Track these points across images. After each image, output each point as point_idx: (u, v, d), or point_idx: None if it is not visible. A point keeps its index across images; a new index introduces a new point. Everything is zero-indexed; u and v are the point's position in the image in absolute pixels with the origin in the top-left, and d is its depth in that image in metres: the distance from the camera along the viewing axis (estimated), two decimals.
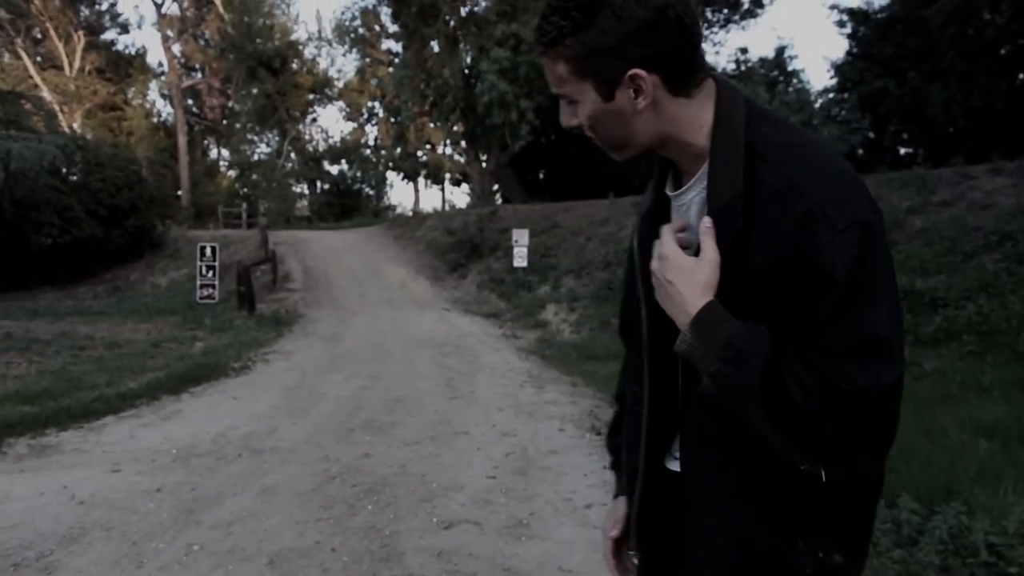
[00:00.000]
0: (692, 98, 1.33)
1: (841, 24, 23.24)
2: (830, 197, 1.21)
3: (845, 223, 1.19)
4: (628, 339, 1.66)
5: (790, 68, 28.52)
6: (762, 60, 29.86)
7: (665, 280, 1.31)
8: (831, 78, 23.88)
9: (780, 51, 29.70)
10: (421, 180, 50.86)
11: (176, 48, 47.32)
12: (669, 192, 1.46)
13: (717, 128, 1.32)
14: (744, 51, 33.49)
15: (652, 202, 1.51)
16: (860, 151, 17.16)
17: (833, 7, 23.24)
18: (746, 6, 31.11)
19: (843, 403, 1.17)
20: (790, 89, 18.80)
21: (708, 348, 1.24)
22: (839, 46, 68.67)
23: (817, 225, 1.19)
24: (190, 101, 49.87)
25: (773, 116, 1.37)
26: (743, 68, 30.17)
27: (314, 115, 52.85)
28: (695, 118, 1.33)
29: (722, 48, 72.20)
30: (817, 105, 17.20)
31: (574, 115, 1.39)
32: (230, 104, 50.37)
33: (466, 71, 28.45)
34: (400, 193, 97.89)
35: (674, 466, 1.46)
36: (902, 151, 22.63)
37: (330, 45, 51.12)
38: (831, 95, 19.80)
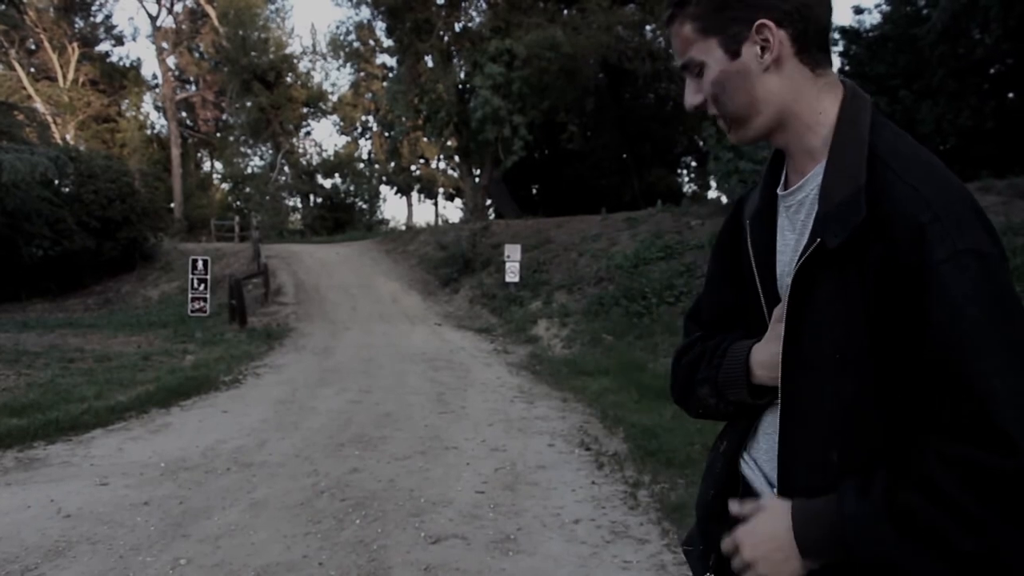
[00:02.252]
0: (817, 76, 1.29)
1: (833, 42, 23.39)
2: (956, 217, 1.16)
3: (966, 245, 1.13)
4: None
5: None
6: None
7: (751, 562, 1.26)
8: None
9: None
10: (414, 194, 51.02)
11: (171, 60, 47.46)
12: (780, 192, 1.40)
13: (840, 126, 1.28)
14: None
15: (761, 202, 1.45)
16: None
17: None
18: None
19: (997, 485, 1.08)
20: None
21: (830, 551, 1.18)
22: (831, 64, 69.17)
23: (938, 238, 1.13)
24: (184, 113, 49.92)
25: (900, 130, 1.33)
26: None
27: (308, 129, 53.02)
28: (817, 101, 1.29)
29: None
30: None
31: (699, 90, 1.36)
32: (224, 117, 50.42)
33: (460, 86, 28.52)
34: (393, 207, 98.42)
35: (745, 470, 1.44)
36: None
37: (324, 59, 51.25)
38: None
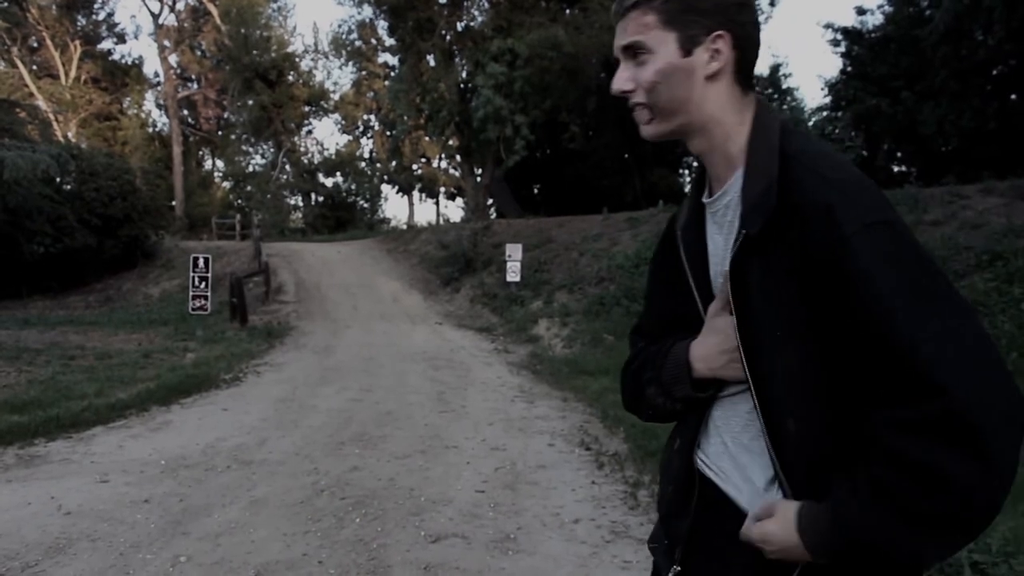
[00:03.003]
0: (743, 95, 1.42)
1: (835, 43, 23.33)
2: (859, 195, 1.26)
3: (873, 218, 1.23)
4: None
5: (784, 86, 28.61)
6: (757, 78, 29.97)
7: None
8: (825, 96, 24.02)
9: (775, 69, 29.83)
10: (416, 194, 50.98)
11: (172, 59, 47.48)
12: (705, 200, 1.50)
13: (754, 134, 1.39)
14: None
15: (690, 213, 1.56)
16: None
17: (827, 26, 23.35)
18: None
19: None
20: (784, 107, 18.86)
21: (838, 549, 1.23)
22: (833, 65, 68.93)
23: (845, 214, 1.23)
24: (185, 112, 49.95)
25: (807, 135, 1.46)
26: None
27: (309, 127, 53.06)
28: (739, 114, 1.41)
29: None
30: (811, 123, 17.27)
31: (632, 79, 1.44)
32: (225, 115, 50.45)
33: (461, 85, 28.52)
34: (395, 206, 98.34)
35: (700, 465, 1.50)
36: (895, 170, 22.73)
37: (326, 58, 51.17)
38: (825, 113, 19.91)
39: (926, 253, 1.25)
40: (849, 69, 22.94)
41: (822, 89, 29.81)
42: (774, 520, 1.30)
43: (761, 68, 52.20)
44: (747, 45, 1.39)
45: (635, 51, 1.42)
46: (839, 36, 23.12)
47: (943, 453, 1.13)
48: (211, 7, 44.46)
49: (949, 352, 1.16)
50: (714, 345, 1.43)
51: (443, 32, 28.19)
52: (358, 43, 36.97)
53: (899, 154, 23.19)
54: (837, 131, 16.93)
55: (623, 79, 1.46)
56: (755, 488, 1.39)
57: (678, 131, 1.46)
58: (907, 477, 1.16)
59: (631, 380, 1.66)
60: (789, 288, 1.28)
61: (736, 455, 1.43)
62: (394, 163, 45.45)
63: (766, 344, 1.33)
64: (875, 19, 22.41)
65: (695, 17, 1.36)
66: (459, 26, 29.04)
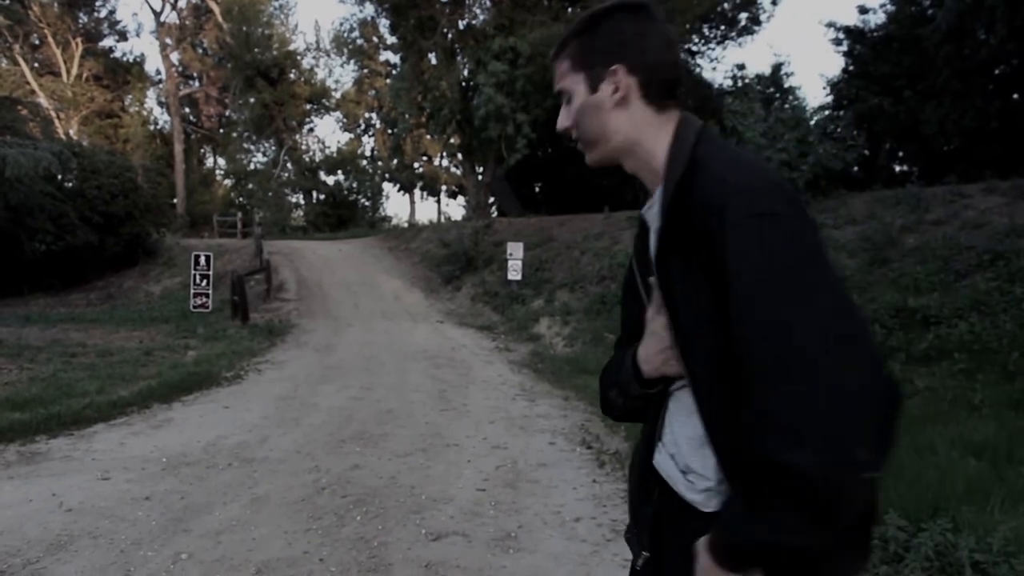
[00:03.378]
0: (660, 114, 1.54)
1: (837, 42, 23.32)
2: (751, 190, 1.33)
3: (758, 209, 1.30)
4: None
5: (786, 85, 28.57)
6: (759, 76, 29.94)
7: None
8: (827, 95, 24.00)
9: (777, 68, 29.81)
10: (417, 192, 50.94)
11: (174, 56, 47.41)
12: (641, 211, 1.64)
13: (671, 147, 1.51)
14: (741, 67, 33.42)
15: (639, 226, 1.70)
16: (855, 168, 17.18)
17: (830, 25, 23.32)
18: (743, 23, 31.20)
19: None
20: (786, 106, 18.77)
21: (740, 560, 1.28)
22: (835, 64, 68.86)
23: (732, 208, 1.30)
24: (187, 109, 49.91)
25: (724, 143, 1.54)
26: (740, 84, 30.28)
27: (311, 125, 52.87)
28: (659, 133, 1.54)
29: (719, 64, 72.81)
30: (813, 122, 17.17)
31: (568, 116, 1.62)
32: (227, 113, 50.40)
33: (463, 84, 28.50)
34: (396, 204, 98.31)
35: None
36: (897, 169, 22.71)
37: (328, 56, 51.15)
38: (827, 112, 19.82)
39: (814, 247, 1.30)
40: (851, 68, 22.92)
41: (824, 88, 29.86)
42: (700, 558, 1.34)
43: (763, 67, 52.09)
44: (649, 70, 1.53)
45: (563, 95, 1.62)
46: (841, 35, 23.11)
47: (777, 457, 1.16)
48: (213, 5, 44.45)
49: (789, 352, 1.20)
50: (653, 345, 1.54)
51: (445, 30, 28.16)
52: (360, 41, 36.98)
53: (901, 153, 23.17)
54: (839, 130, 16.85)
55: (562, 119, 1.64)
56: (706, 482, 1.44)
57: (608, 156, 1.63)
58: (760, 480, 1.20)
59: (601, 385, 1.80)
60: (704, 286, 1.34)
61: (687, 449, 1.49)
62: (395, 161, 45.41)
63: (693, 340, 1.41)
64: (877, 18, 22.40)
65: (595, 57, 1.55)
66: (461, 24, 29.01)
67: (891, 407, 1.20)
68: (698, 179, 1.40)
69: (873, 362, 1.20)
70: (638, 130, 1.54)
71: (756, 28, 31.48)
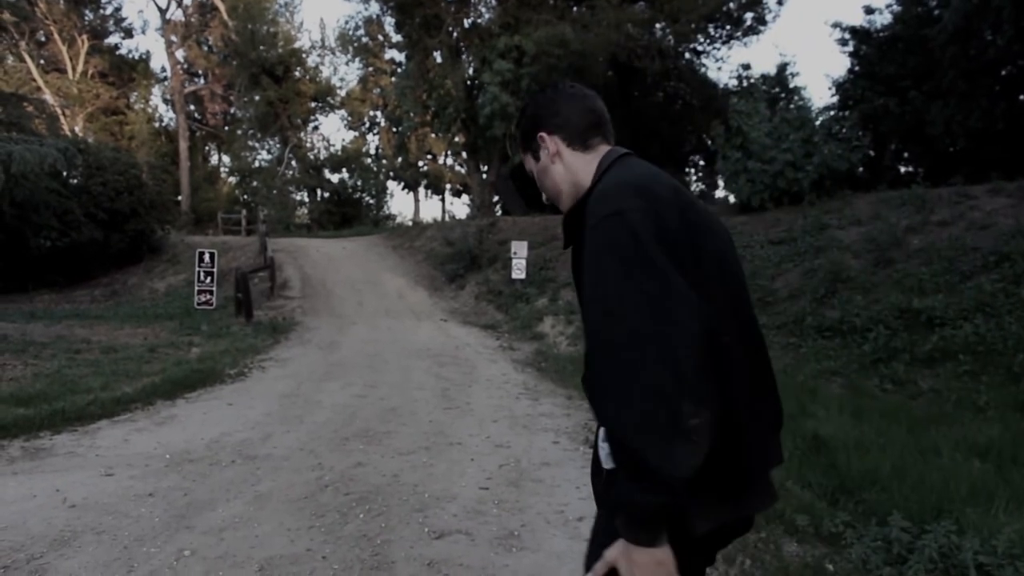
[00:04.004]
0: (587, 154, 1.96)
1: (843, 42, 23.30)
2: (612, 193, 1.68)
3: (609, 209, 1.63)
4: None
5: (792, 85, 28.58)
6: (764, 77, 29.95)
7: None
8: (832, 96, 23.95)
9: (782, 68, 29.80)
10: (421, 190, 50.92)
11: (179, 54, 47.43)
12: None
13: (593, 176, 1.90)
14: (747, 67, 33.45)
15: None
16: (860, 169, 17.15)
17: (835, 25, 23.31)
18: (748, 23, 31.15)
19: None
20: (792, 106, 18.76)
21: (630, 528, 1.55)
22: (841, 64, 68.71)
23: (593, 213, 1.67)
24: (192, 107, 49.98)
25: (632, 164, 1.86)
26: (745, 84, 30.26)
27: (316, 123, 52.79)
28: (587, 168, 1.94)
29: (724, 64, 72.76)
30: (818, 122, 17.15)
31: (540, 187, 2.09)
32: (232, 110, 50.45)
33: (468, 82, 28.50)
34: (400, 203, 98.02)
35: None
36: (902, 170, 22.67)
37: (333, 54, 51.17)
38: (832, 112, 19.77)
39: (646, 242, 1.54)
40: (857, 68, 22.89)
41: (829, 88, 29.82)
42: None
43: (768, 67, 51.98)
44: (564, 125, 1.97)
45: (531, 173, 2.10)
46: (847, 35, 23.09)
47: (605, 423, 1.59)
48: (218, 2, 44.46)
49: (607, 349, 1.54)
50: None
51: (450, 29, 28.17)
52: (365, 39, 36.95)
53: (906, 154, 23.14)
54: (844, 130, 16.82)
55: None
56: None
57: (568, 198, 1.98)
58: (613, 449, 1.55)
59: None
60: (582, 279, 1.70)
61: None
62: (400, 159, 45.41)
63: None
64: (883, 18, 22.37)
65: (527, 138, 2.05)
66: (466, 23, 29.01)
67: (681, 399, 1.43)
68: (590, 195, 1.79)
69: (664, 357, 1.44)
70: (573, 172, 1.96)
71: (762, 28, 31.44)
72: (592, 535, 1.83)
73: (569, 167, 1.95)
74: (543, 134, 1.98)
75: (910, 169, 22.20)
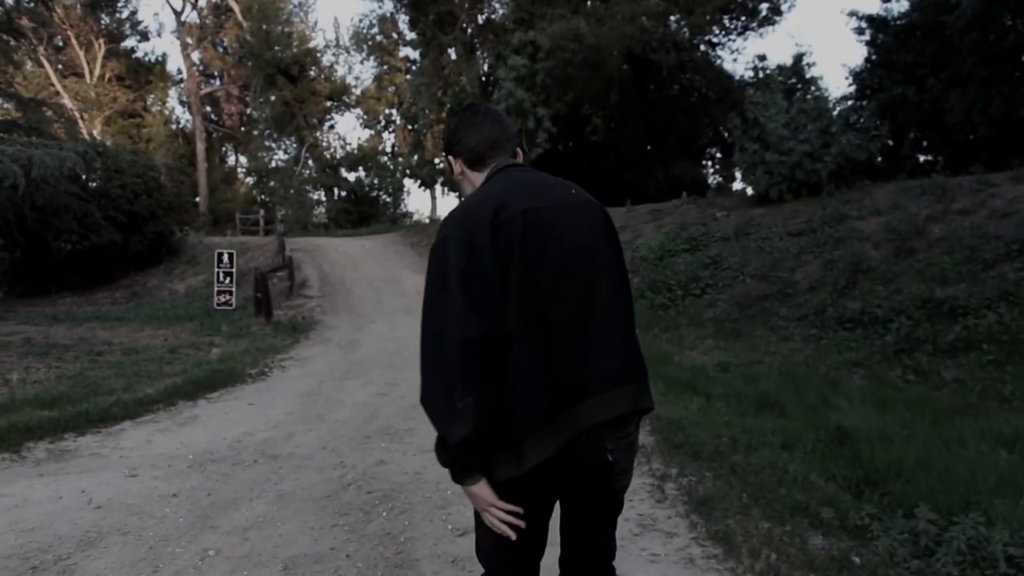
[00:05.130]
0: (481, 173, 2.39)
1: (860, 31, 23.13)
2: (447, 222, 2.18)
3: (440, 237, 2.14)
4: None
5: (808, 75, 28.36)
6: (780, 67, 29.78)
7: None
8: (849, 85, 23.79)
9: (798, 58, 29.61)
10: (438, 187, 50.91)
11: (195, 55, 47.66)
12: None
13: None
14: (762, 58, 33.22)
15: None
16: (879, 159, 17.04)
17: (852, 14, 23.14)
18: (764, 13, 30.97)
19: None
20: (808, 97, 18.64)
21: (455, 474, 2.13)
22: (858, 53, 68.15)
23: (436, 236, 2.18)
24: (208, 108, 50.17)
25: (496, 180, 2.30)
26: (761, 75, 30.11)
27: (332, 122, 52.87)
28: (480, 181, 2.37)
29: (740, 55, 72.30)
30: (835, 112, 17.04)
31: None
32: (248, 111, 50.62)
33: (483, 78, 28.50)
34: (417, 200, 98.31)
35: None
36: (921, 159, 22.47)
37: (348, 53, 51.32)
38: (850, 102, 19.62)
39: (455, 265, 2.02)
40: (874, 57, 22.72)
41: (846, 78, 29.58)
42: None
43: (784, 58, 51.62)
44: (464, 151, 2.41)
45: None
46: (864, 24, 22.92)
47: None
48: (233, 4, 44.64)
49: (422, 346, 2.09)
50: None
51: (464, 25, 28.17)
52: (379, 38, 37.08)
53: (925, 143, 22.95)
54: (862, 120, 16.72)
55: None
56: None
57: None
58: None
59: None
60: None
61: None
62: (416, 157, 45.40)
63: None
64: (900, 6, 22.23)
65: (447, 152, 2.50)
66: (480, 19, 29.01)
67: (452, 389, 1.96)
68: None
69: (444, 355, 1.99)
70: (473, 185, 2.40)
71: (777, 18, 31.25)
72: None
73: (471, 182, 2.42)
74: (450, 156, 2.47)
75: (929, 158, 21.99)
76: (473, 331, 1.95)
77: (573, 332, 2.10)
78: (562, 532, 2.39)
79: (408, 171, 48.31)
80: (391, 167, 49.49)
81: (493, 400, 1.99)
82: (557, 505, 2.29)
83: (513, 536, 2.10)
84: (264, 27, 43.33)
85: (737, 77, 32.96)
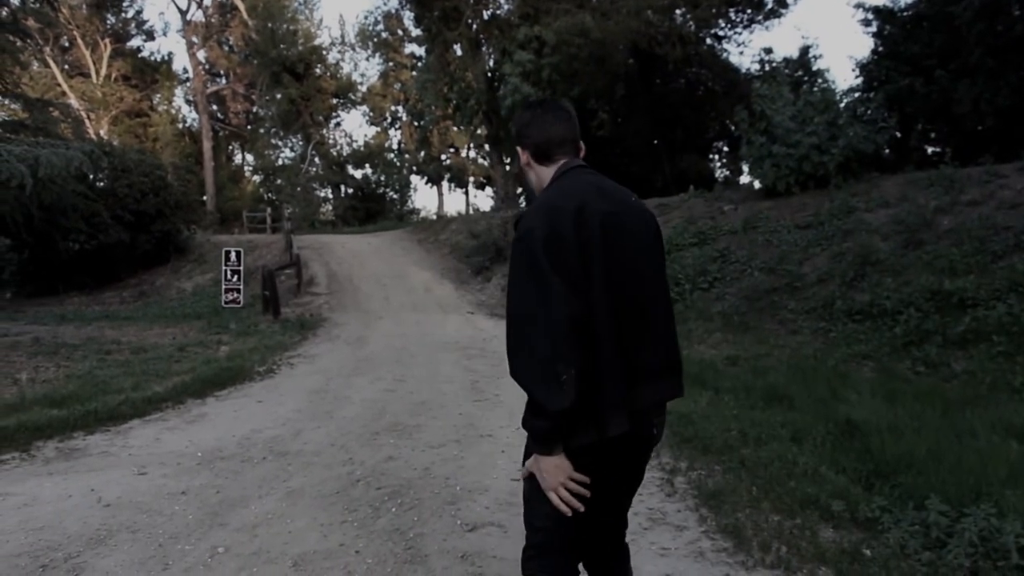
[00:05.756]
0: (549, 167, 2.61)
1: (866, 23, 22.99)
2: (530, 214, 2.37)
3: (522, 230, 2.33)
4: None
5: (815, 68, 28.23)
6: (787, 60, 29.66)
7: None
8: (856, 77, 23.61)
9: (805, 51, 29.46)
10: (445, 184, 51.03)
11: (201, 54, 47.81)
12: None
13: (548, 184, 2.59)
14: (768, 51, 33.20)
15: None
16: (887, 151, 16.97)
17: (858, 6, 22.99)
18: (770, 6, 30.79)
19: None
20: (815, 89, 18.54)
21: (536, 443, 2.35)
22: (864, 45, 67.95)
23: (518, 228, 2.37)
24: (215, 107, 50.31)
25: (570, 177, 2.52)
26: (768, 68, 30.00)
27: (338, 119, 53.02)
28: (546, 176, 2.61)
29: (746, 49, 72.08)
30: (843, 105, 16.95)
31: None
32: (254, 109, 50.73)
33: (489, 74, 28.44)
34: (424, 197, 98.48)
35: None
36: (929, 150, 22.34)
37: (353, 50, 51.37)
38: (857, 94, 19.49)
39: (542, 254, 2.22)
40: (881, 49, 22.57)
41: (853, 70, 29.42)
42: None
43: (791, 50, 51.43)
44: (531, 146, 2.62)
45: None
46: (870, 15, 22.77)
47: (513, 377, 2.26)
48: (238, 2, 44.65)
49: (517, 327, 2.26)
50: None
51: (469, 21, 28.11)
52: (384, 34, 37.06)
53: (933, 134, 22.81)
54: (869, 112, 16.63)
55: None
56: None
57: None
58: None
59: None
60: None
61: None
62: (423, 153, 45.57)
63: None
64: None
65: (516, 143, 2.72)
66: (485, 14, 28.94)
67: (555, 361, 2.14)
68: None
69: (544, 332, 2.16)
70: (540, 178, 2.63)
71: (783, 11, 31.08)
72: (524, 454, 2.57)
73: (537, 174, 2.64)
74: (519, 148, 2.67)
75: (937, 149, 21.87)
76: (575, 309, 2.18)
77: (635, 323, 2.38)
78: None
79: (415, 167, 48.41)
80: (397, 164, 49.58)
81: (586, 373, 2.19)
82: None
83: (581, 508, 2.30)
84: (269, 25, 43.34)
85: (743, 70, 32.83)
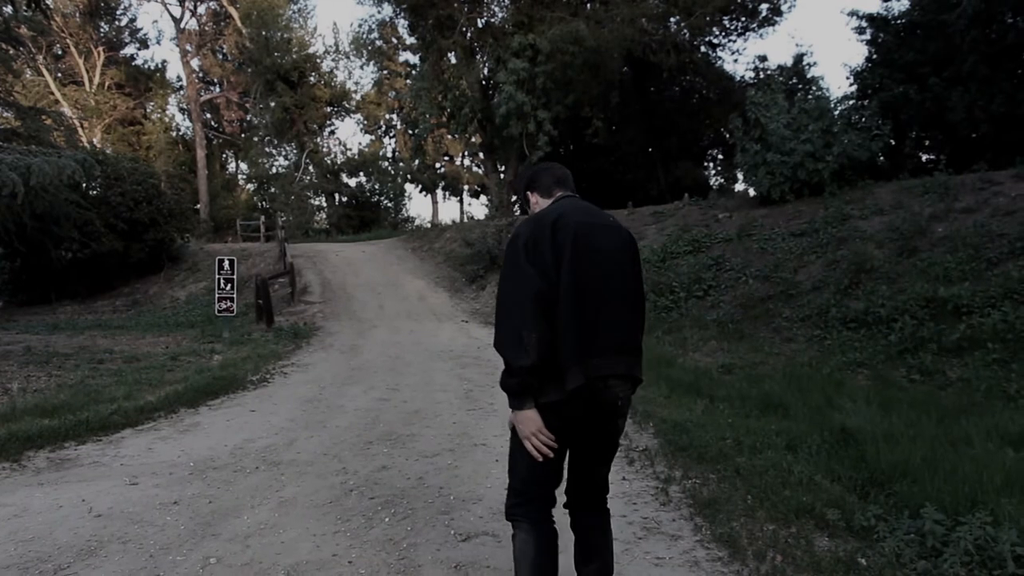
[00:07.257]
0: (550, 200, 3.21)
1: (860, 31, 23.09)
2: (524, 223, 2.99)
3: (513, 234, 2.95)
4: None
5: (809, 75, 28.38)
6: (781, 68, 29.80)
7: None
8: (851, 85, 23.72)
9: (799, 58, 29.62)
10: (439, 192, 51.01)
11: (195, 63, 47.77)
12: None
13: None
14: (763, 59, 33.24)
15: None
16: (881, 158, 16.98)
17: (852, 14, 23.10)
18: (764, 14, 30.95)
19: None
20: (810, 97, 18.59)
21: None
22: (858, 53, 68.16)
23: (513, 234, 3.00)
24: (208, 115, 50.26)
25: (557, 204, 3.10)
26: (762, 76, 30.09)
27: (332, 128, 52.93)
28: (546, 205, 3.17)
29: (740, 56, 72.35)
30: (837, 112, 17.00)
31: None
32: (248, 118, 50.68)
33: (483, 82, 28.51)
34: (418, 205, 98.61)
35: None
36: (924, 157, 22.41)
37: (347, 58, 51.20)
38: (851, 102, 19.52)
39: (521, 251, 2.84)
40: (875, 57, 22.68)
41: (847, 78, 29.53)
42: None
43: (785, 58, 51.56)
44: (537, 187, 3.29)
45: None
46: (864, 23, 22.88)
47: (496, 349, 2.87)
48: (232, 10, 44.68)
49: (499, 306, 2.89)
50: None
51: (464, 29, 28.18)
52: (379, 42, 37.01)
53: (927, 141, 22.89)
54: (864, 120, 16.67)
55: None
56: None
57: None
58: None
59: None
60: None
61: None
62: (417, 162, 45.52)
63: None
64: (901, 5, 22.19)
65: (527, 188, 3.35)
66: (480, 23, 29.02)
67: (522, 328, 2.73)
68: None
69: (515, 306, 2.79)
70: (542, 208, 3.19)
71: (777, 19, 31.25)
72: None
73: (541, 207, 3.21)
74: (528, 192, 3.34)
75: (932, 157, 21.94)
76: (541, 289, 2.75)
77: (595, 308, 2.84)
78: (571, 466, 3.17)
79: (409, 176, 48.38)
80: (392, 172, 49.55)
81: (548, 339, 2.74)
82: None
83: (551, 454, 2.89)
84: (263, 33, 43.34)
85: (738, 78, 33.00)
